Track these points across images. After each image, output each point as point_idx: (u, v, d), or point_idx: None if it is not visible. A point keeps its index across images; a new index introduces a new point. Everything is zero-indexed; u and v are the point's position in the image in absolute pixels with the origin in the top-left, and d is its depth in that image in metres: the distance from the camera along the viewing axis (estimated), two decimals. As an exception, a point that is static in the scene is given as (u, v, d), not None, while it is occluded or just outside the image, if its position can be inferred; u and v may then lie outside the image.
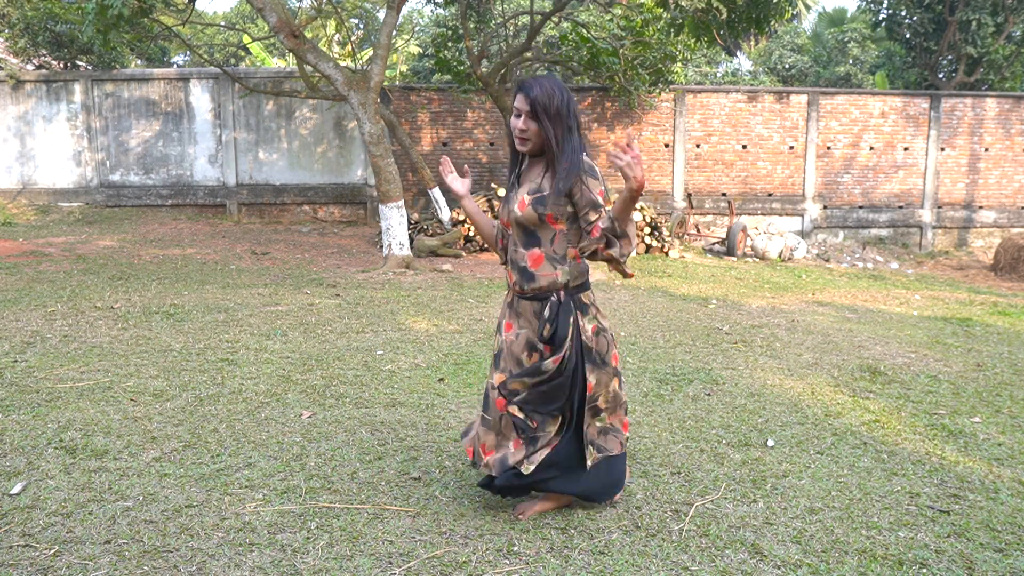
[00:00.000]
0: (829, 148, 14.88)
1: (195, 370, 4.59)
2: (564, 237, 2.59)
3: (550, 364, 2.57)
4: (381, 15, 15.67)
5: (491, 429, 2.68)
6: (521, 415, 2.63)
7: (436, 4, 14.06)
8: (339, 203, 14.40)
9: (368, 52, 17.75)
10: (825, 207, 14.97)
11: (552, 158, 2.55)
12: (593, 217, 2.51)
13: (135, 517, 2.65)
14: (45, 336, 5.35)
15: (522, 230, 2.60)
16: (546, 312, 2.58)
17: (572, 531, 2.65)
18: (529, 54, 13.36)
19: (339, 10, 13.33)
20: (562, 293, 2.61)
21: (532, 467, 2.62)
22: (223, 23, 21.03)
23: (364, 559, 2.42)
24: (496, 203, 12.03)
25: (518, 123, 2.55)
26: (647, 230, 12.48)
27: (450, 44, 13.68)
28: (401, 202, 10.00)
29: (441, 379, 4.59)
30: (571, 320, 2.59)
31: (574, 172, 2.50)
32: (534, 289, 2.60)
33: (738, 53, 27.95)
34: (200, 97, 14.09)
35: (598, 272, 9.65)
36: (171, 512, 2.69)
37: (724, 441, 3.58)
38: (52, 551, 2.41)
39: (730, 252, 13.04)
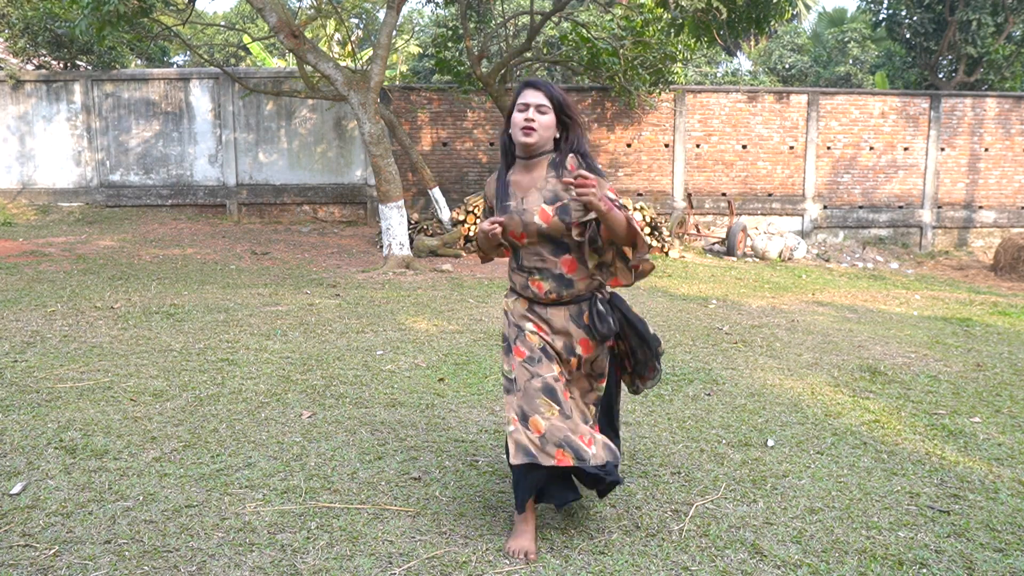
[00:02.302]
0: (829, 148, 14.87)
1: (195, 370, 4.59)
2: (584, 241, 2.51)
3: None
4: (381, 15, 15.67)
5: (569, 416, 2.49)
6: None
7: (436, 4, 14.05)
8: (339, 203, 14.39)
9: (368, 52, 17.75)
10: (825, 207, 14.96)
11: (560, 158, 2.48)
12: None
13: (135, 517, 2.65)
14: (45, 336, 5.35)
15: (547, 239, 2.48)
16: (599, 306, 2.52)
17: (572, 531, 2.65)
18: (529, 54, 13.36)
19: (339, 10, 13.32)
20: (603, 292, 2.59)
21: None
22: (223, 23, 21.04)
23: (364, 559, 2.41)
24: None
25: (525, 115, 2.43)
26: (647, 230, 12.48)
27: (450, 44, 13.67)
28: (401, 202, 10.00)
29: (441, 379, 4.59)
30: (617, 319, 2.59)
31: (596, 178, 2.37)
32: (573, 294, 2.51)
33: (738, 53, 27.94)
34: (200, 97, 14.08)
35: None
36: (171, 512, 2.69)
37: (724, 441, 3.58)
38: (52, 551, 2.41)
39: (730, 252, 13.04)
